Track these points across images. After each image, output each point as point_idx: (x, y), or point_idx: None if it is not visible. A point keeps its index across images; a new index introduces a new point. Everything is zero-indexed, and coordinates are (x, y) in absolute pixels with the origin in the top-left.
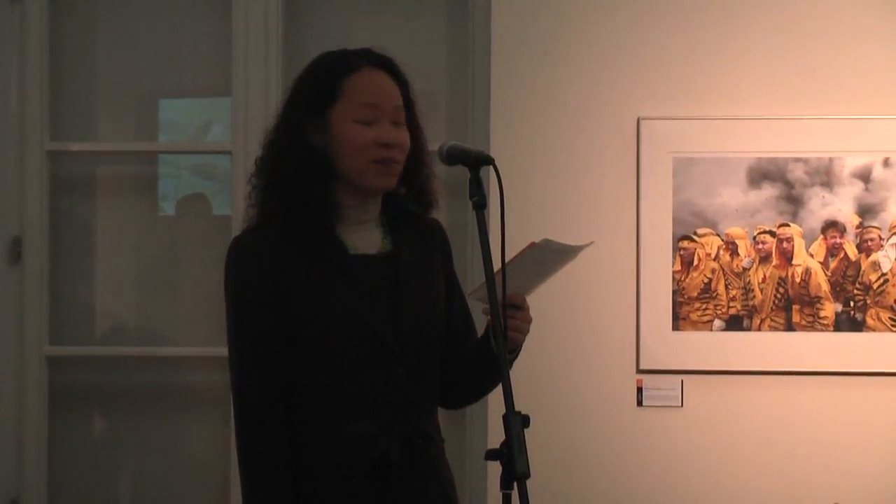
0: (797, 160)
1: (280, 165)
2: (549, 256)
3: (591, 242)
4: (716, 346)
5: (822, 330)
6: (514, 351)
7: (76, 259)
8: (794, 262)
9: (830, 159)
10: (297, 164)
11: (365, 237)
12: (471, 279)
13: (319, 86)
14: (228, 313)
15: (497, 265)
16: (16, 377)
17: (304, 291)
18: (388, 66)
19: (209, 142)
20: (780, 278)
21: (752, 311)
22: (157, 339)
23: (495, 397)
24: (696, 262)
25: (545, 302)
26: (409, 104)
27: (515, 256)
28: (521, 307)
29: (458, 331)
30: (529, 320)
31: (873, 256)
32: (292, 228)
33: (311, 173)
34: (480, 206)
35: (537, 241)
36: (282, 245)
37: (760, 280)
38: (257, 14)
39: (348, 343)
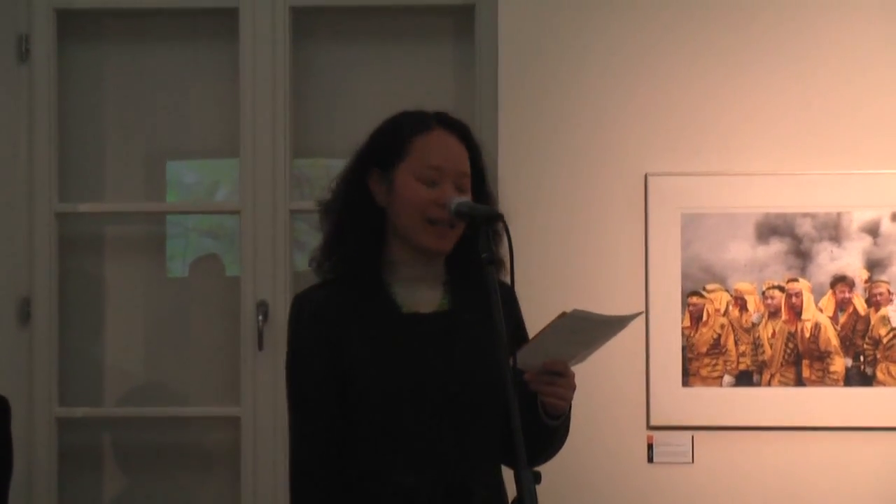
0: (805, 215)
1: (339, 214)
2: (587, 326)
3: (640, 312)
4: (726, 401)
5: (832, 385)
6: (559, 417)
7: (85, 320)
8: (803, 316)
9: (838, 214)
10: (356, 218)
11: (422, 295)
12: None
13: (389, 142)
14: (286, 370)
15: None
16: (25, 439)
17: (353, 348)
18: (460, 130)
19: (217, 202)
20: (789, 333)
21: (761, 367)
22: (167, 399)
23: None
24: (705, 318)
25: None
26: (479, 171)
27: (546, 326)
28: (563, 374)
29: (522, 395)
30: (572, 388)
31: (882, 311)
32: (347, 283)
33: (369, 228)
34: (490, 262)
35: (568, 311)
36: (337, 301)
37: (770, 335)
38: (264, 74)
39: (393, 398)
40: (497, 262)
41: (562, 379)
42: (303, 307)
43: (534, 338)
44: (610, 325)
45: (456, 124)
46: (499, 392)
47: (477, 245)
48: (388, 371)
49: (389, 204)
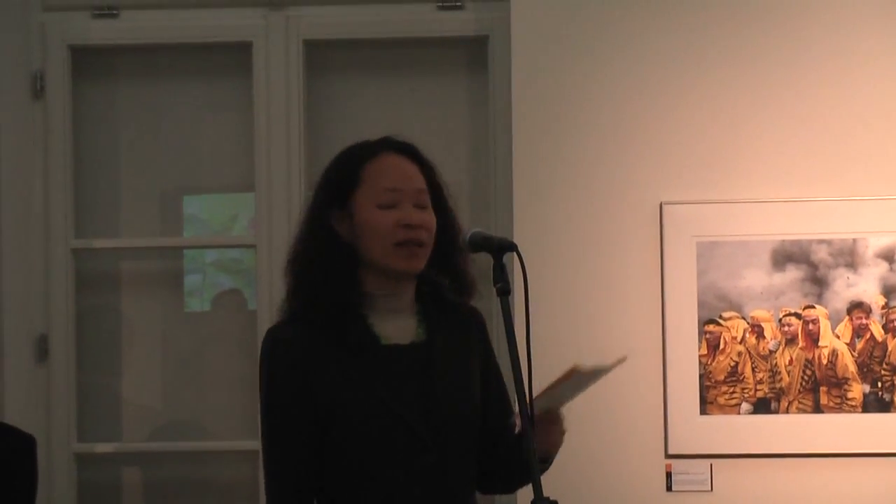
0: (821, 242)
1: (307, 257)
2: (588, 378)
3: (624, 357)
4: (744, 429)
5: (850, 411)
6: (547, 461)
7: (103, 355)
8: (820, 343)
9: (854, 240)
10: (324, 256)
11: (399, 326)
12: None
13: (340, 175)
14: (260, 405)
15: (522, 348)
16: (44, 476)
17: (333, 382)
18: (408, 150)
19: (233, 236)
20: (806, 360)
21: (779, 394)
22: (186, 434)
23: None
24: (722, 346)
25: None
26: (436, 187)
27: (556, 382)
28: (555, 422)
29: (494, 420)
30: (564, 432)
31: None
32: (324, 319)
33: (338, 264)
34: (505, 292)
35: (577, 365)
36: (314, 336)
37: (787, 362)
38: (279, 108)
39: (377, 431)
40: (473, 291)
41: (555, 426)
42: (276, 344)
43: (544, 391)
44: (600, 373)
45: (402, 145)
46: (477, 424)
47: (444, 270)
48: (370, 404)
49: (355, 237)
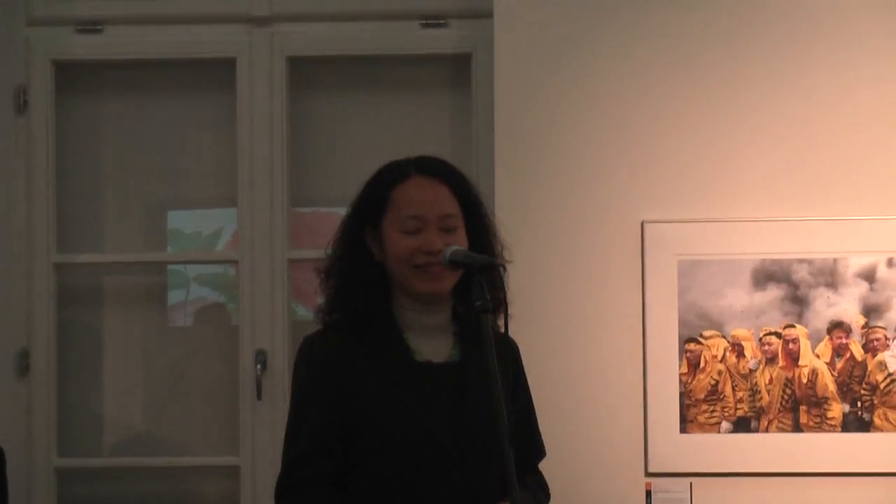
0: (801, 261)
1: (343, 271)
2: None
3: None
4: (724, 448)
5: (829, 431)
6: None
7: (84, 370)
8: (800, 362)
9: (835, 260)
10: (358, 271)
11: (434, 345)
12: None
13: (372, 197)
14: (290, 409)
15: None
16: (24, 490)
17: (364, 394)
18: (439, 172)
19: (216, 252)
20: (786, 379)
21: (759, 413)
22: (166, 449)
23: None
24: (702, 365)
25: (553, 408)
26: (470, 207)
27: None
28: None
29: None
30: None
31: (879, 356)
32: (360, 331)
33: (372, 284)
34: (485, 310)
35: None
36: (350, 347)
37: (767, 381)
38: (262, 124)
39: (404, 446)
40: (498, 308)
41: None
42: (313, 352)
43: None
44: None
45: (434, 167)
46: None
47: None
48: (400, 417)
49: (384, 258)
